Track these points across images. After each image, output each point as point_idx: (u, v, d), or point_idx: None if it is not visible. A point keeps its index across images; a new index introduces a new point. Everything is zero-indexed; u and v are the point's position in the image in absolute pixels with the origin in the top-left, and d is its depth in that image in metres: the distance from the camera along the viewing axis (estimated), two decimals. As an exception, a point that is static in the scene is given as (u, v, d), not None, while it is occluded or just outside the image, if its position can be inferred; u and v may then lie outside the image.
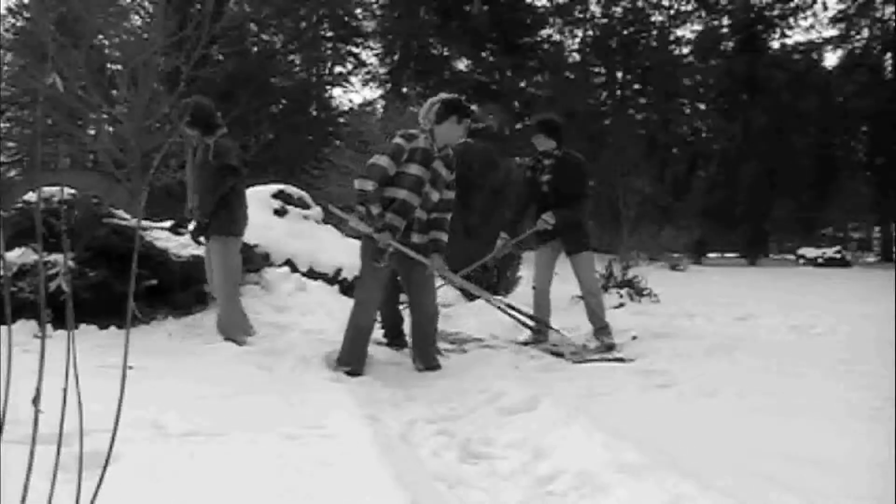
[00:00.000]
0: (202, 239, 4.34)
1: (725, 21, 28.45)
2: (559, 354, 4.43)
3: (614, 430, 2.49)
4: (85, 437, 1.02)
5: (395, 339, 4.59)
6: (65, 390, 0.99)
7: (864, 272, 18.12)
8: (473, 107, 4.29)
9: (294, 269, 6.53)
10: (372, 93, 28.04)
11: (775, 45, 27.72)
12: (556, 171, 4.85)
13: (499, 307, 4.82)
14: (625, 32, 27.95)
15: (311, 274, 6.62)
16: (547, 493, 2.07)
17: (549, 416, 2.71)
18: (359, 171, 3.90)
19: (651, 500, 1.89)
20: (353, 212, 4.08)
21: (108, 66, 14.07)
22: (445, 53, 25.25)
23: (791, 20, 27.59)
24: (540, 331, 4.86)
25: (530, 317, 4.84)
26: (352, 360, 3.78)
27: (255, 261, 5.94)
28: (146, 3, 16.30)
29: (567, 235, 4.87)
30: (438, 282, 4.27)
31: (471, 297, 6.84)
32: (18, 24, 19.45)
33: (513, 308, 4.82)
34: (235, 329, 4.32)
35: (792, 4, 27.34)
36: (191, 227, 4.47)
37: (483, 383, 3.39)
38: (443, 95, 4.08)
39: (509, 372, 3.70)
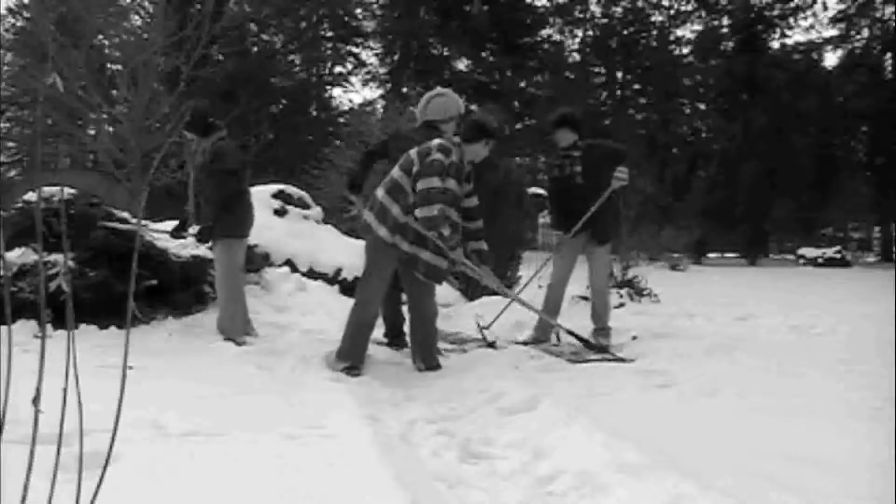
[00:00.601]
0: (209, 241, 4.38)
1: (725, 21, 28.46)
2: (559, 354, 4.43)
3: (614, 430, 2.49)
4: (85, 437, 1.02)
5: (395, 339, 4.59)
6: (65, 390, 0.99)
7: (864, 272, 18.12)
8: (473, 106, 4.30)
9: (294, 269, 6.53)
10: (372, 93, 28.05)
11: (775, 45, 27.76)
12: (586, 161, 4.82)
13: (520, 302, 4.75)
14: (625, 32, 27.95)
15: (311, 274, 6.63)
16: (547, 493, 2.07)
17: (549, 416, 2.71)
18: (410, 200, 3.81)
19: (651, 500, 1.89)
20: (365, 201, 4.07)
21: (108, 66, 14.07)
22: (445, 53, 25.25)
23: (791, 20, 27.61)
24: (543, 330, 4.86)
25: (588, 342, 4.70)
26: (351, 355, 3.79)
27: (255, 261, 5.94)
28: (146, 3, 16.31)
29: (601, 223, 4.84)
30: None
31: (471, 297, 6.85)
32: (18, 24, 19.46)
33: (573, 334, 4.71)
34: (236, 330, 4.33)
35: (792, 4, 27.35)
36: (192, 230, 4.50)
37: (483, 383, 3.39)
38: (477, 115, 4.13)
39: (509, 372, 3.70)
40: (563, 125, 4.87)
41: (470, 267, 4.03)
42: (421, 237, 3.78)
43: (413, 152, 3.87)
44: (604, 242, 4.93)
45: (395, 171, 3.89)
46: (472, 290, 6.84)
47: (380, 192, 3.92)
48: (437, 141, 3.90)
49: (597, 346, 4.64)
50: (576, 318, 5.17)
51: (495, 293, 5.91)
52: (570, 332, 4.63)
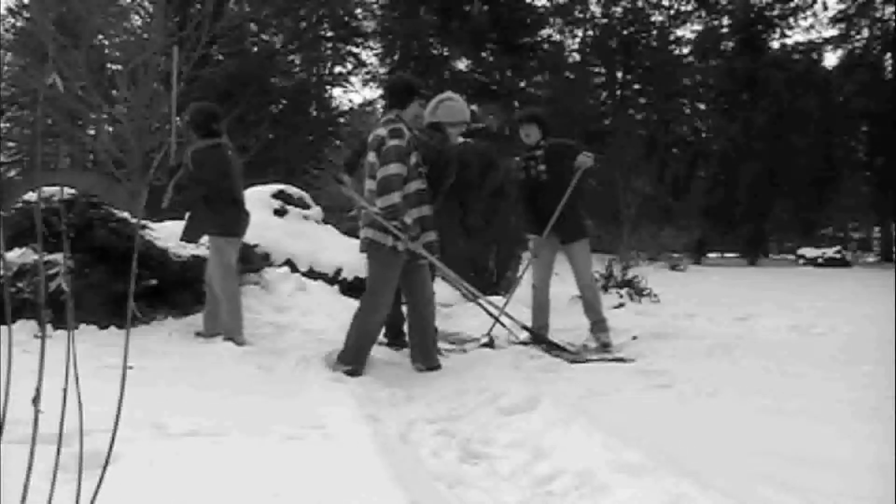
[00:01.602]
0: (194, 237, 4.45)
1: (725, 21, 28.41)
2: (558, 354, 4.43)
3: (614, 429, 2.49)
4: (85, 437, 1.02)
5: (394, 339, 4.59)
6: (65, 390, 0.99)
7: (864, 272, 18.11)
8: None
9: (294, 269, 6.53)
10: (372, 93, 27.98)
11: (775, 45, 27.68)
12: (549, 160, 4.86)
13: (489, 312, 4.81)
14: (625, 32, 27.91)
15: (311, 274, 6.62)
16: (547, 493, 2.07)
17: (549, 416, 2.70)
18: (370, 188, 3.83)
19: (651, 500, 1.89)
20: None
21: (108, 65, 14.06)
22: (445, 53, 25.21)
23: (791, 20, 27.56)
24: (539, 331, 4.86)
25: (524, 327, 4.82)
26: (355, 360, 3.78)
27: (255, 261, 5.94)
28: (146, 3, 16.29)
29: (566, 222, 4.84)
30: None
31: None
32: (18, 24, 19.45)
33: (497, 313, 4.81)
34: (238, 330, 4.33)
35: (792, 4, 27.31)
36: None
37: (483, 383, 3.39)
38: (393, 77, 4.14)
39: (509, 372, 3.70)
40: (532, 121, 4.93)
41: (432, 261, 3.98)
42: (382, 225, 3.77)
43: (370, 138, 3.88)
44: (571, 242, 4.92)
45: (369, 156, 3.88)
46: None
47: (368, 184, 3.93)
48: (388, 126, 3.83)
49: (598, 340, 4.66)
50: (574, 316, 5.17)
51: (495, 294, 5.92)
52: (558, 345, 4.65)
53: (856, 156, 28.56)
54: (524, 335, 4.85)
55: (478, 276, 6.65)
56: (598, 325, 4.82)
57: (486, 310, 4.81)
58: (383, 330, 4.65)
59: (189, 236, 4.44)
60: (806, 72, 26.03)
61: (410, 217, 3.79)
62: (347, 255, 6.82)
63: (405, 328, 4.40)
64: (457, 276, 4.50)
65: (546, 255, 5.02)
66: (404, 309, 4.38)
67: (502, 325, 4.79)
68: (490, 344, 4.66)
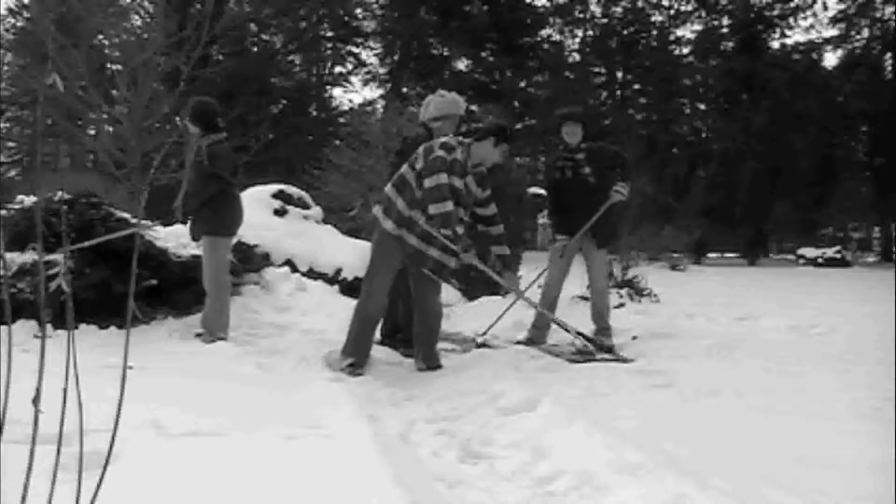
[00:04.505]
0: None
1: (725, 21, 28.41)
2: (558, 354, 4.43)
3: (614, 430, 2.49)
4: (85, 437, 1.02)
5: (394, 338, 4.59)
6: (65, 390, 0.99)
7: (865, 272, 18.10)
8: (473, 106, 4.22)
9: (294, 269, 6.53)
10: (372, 93, 27.97)
11: (775, 45, 27.69)
12: (595, 161, 4.83)
13: (560, 325, 4.72)
14: (625, 32, 27.93)
15: (311, 274, 6.63)
16: (547, 493, 2.07)
17: (549, 416, 2.71)
18: (418, 196, 3.79)
19: (651, 500, 1.89)
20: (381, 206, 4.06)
21: (108, 65, 14.06)
22: (445, 53, 25.22)
23: (791, 20, 27.55)
24: (540, 332, 4.86)
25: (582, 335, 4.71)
26: (357, 351, 3.79)
27: (255, 261, 5.94)
28: (146, 3, 16.30)
29: (607, 227, 4.85)
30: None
31: (471, 297, 6.84)
32: (18, 24, 19.45)
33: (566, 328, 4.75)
34: (221, 326, 4.33)
35: (792, 4, 27.30)
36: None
37: (483, 383, 3.39)
38: (492, 120, 4.14)
39: (509, 372, 3.70)
40: (578, 121, 4.88)
41: (484, 269, 4.05)
42: (429, 234, 3.78)
43: (420, 149, 3.90)
44: (605, 245, 4.94)
45: (404, 167, 3.94)
46: (472, 290, 6.84)
47: (387, 187, 3.98)
48: (441, 139, 3.92)
49: (597, 341, 4.65)
50: (575, 317, 5.17)
51: (495, 293, 5.92)
52: (569, 329, 4.65)
53: (856, 156, 28.58)
54: (525, 335, 4.86)
55: (479, 275, 6.66)
56: (603, 331, 4.83)
57: (561, 324, 4.67)
58: (383, 330, 4.67)
59: (195, 234, 4.47)
60: (806, 72, 26.02)
61: (462, 228, 3.81)
62: (347, 255, 6.82)
63: (404, 329, 4.41)
64: (518, 286, 4.51)
65: (568, 256, 4.98)
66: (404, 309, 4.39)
67: (584, 337, 4.59)
68: (485, 344, 4.68)
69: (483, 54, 25.13)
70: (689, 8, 28.64)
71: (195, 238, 4.50)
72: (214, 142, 4.37)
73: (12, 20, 19.19)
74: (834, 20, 27.15)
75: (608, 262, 5.00)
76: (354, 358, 3.74)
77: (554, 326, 4.87)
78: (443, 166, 3.72)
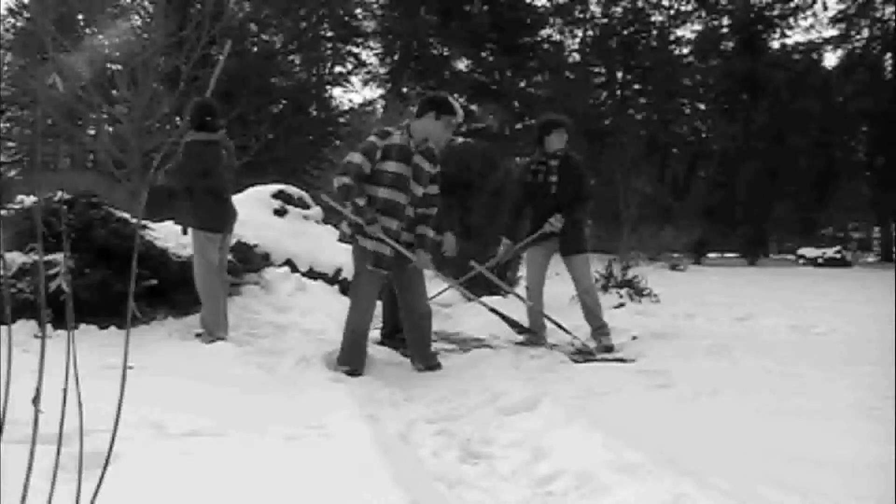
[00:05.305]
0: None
1: (725, 21, 28.42)
2: (557, 353, 4.43)
3: (614, 430, 2.49)
4: (85, 437, 1.02)
5: (393, 338, 4.59)
6: (65, 390, 0.99)
7: (865, 272, 18.11)
8: (457, 105, 4.12)
9: (294, 269, 6.54)
10: (372, 93, 28.01)
11: (775, 45, 27.71)
12: (562, 172, 4.84)
13: (490, 309, 4.83)
14: (625, 32, 27.92)
15: (311, 274, 6.63)
16: (547, 493, 2.07)
17: (549, 416, 2.71)
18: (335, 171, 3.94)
19: (651, 500, 1.89)
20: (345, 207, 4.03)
21: (108, 65, 14.05)
22: (445, 53, 25.21)
23: (791, 20, 27.57)
24: (536, 332, 4.86)
25: (519, 326, 4.85)
26: (351, 359, 3.79)
27: (254, 261, 5.94)
28: (146, 3, 16.29)
29: (567, 236, 4.85)
30: (441, 284, 4.24)
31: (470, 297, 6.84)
32: (18, 24, 19.45)
33: (500, 315, 4.85)
34: (218, 326, 4.33)
35: (792, 4, 27.31)
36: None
37: (483, 383, 3.39)
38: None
39: (509, 372, 3.70)
40: (564, 129, 4.89)
41: (390, 244, 3.81)
42: (358, 226, 3.80)
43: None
44: (571, 254, 4.90)
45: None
46: (472, 289, 6.82)
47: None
48: (380, 127, 4.02)
49: (596, 345, 4.66)
50: (574, 316, 5.17)
51: (494, 293, 5.92)
52: (563, 327, 4.67)
53: (856, 156, 28.57)
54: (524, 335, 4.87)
55: (478, 275, 6.65)
56: (600, 329, 4.82)
57: (555, 322, 4.81)
58: (383, 330, 4.66)
59: (181, 223, 4.56)
60: (806, 72, 26.04)
61: (363, 200, 3.74)
62: (347, 255, 6.82)
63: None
64: (433, 267, 4.41)
65: (540, 256, 5.00)
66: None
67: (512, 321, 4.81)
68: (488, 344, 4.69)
69: (483, 54, 25.11)
70: (689, 8, 28.64)
71: (184, 231, 4.58)
72: (194, 141, 4.39)
73: (12, 20, 19.19)
74: (834, 20, 27.16)
75: (587, 261, 4.97)
76: (350, 366, 3.74)
77: (553, 327, 4.87)
78: (364, 148, 3.79)
